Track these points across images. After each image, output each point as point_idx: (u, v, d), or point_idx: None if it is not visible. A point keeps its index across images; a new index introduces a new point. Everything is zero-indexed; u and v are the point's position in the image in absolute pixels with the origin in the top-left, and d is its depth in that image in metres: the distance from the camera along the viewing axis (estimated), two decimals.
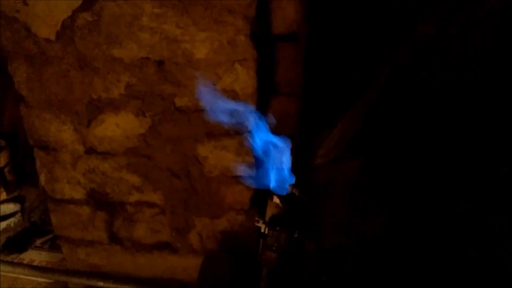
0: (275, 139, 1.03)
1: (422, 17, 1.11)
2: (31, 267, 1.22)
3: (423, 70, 1.12)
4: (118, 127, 1.27)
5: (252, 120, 1.16)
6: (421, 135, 1.15)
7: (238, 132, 1.20)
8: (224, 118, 1.18)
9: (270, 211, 0.96)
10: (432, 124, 1.13)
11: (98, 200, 1.41)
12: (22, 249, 1.81)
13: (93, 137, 1.29)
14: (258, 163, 1.25)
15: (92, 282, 1.11)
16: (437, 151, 1.13)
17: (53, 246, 1.82)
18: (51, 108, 1.26)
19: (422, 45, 1.12)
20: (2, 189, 2.16)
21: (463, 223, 1.09)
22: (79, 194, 1.40)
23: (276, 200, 0.94)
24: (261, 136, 1.08)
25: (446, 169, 1.11)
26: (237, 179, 1.29)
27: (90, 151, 1.32)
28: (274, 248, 0.94)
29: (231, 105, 1.16)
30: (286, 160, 0.99)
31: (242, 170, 1.26)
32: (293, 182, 0.95)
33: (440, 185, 1.14)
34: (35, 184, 1.43)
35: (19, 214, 2.01)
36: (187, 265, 1.48)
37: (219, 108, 1.17)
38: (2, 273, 1.26)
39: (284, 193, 0.94)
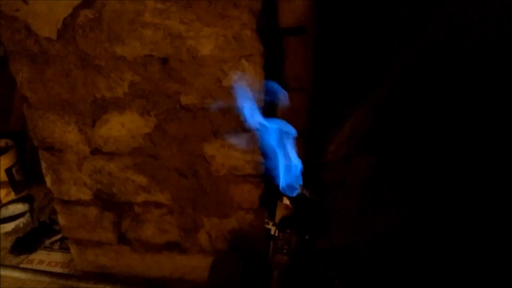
0: (284, 137, 1.00)
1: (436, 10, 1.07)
2: (39, 272, 1.21)
3: (435, 67, 1.08)
4: (123, 126, 1.24)
5: (259, 117, 1.12)
6: (436, 131, 1.11)
7: (245, 130, 1.17)
8: (231, 116, 1.15)
9: (280, 213, 0.93)
10: (446, 119, 1.09)
11: (105, 201, 1.39)
12: (31, 249, 1.80)
13: (98, 138, 1.27)
14: (267, 162, 1.22)
15: (99, 287, 1.09)
16: (453, 147, 1.09)
17: (63, 246, 1.81)
18: (54, 108, 1.23)
19: (433, 43, 1.08)
20: (11, 189, 2.16)
21: (478, 223, 1.06)
22: (86, 195, 1.38)
23: (286, 201, 0.91)
24: (270, 134, 1.05)
25: (461, 166, 1.08)
26: (245, 178, 1.26)
27: (96, 151, 1.29)
28: (284, 251, 0.91)
29: (238, 102, 1.13)
30: (295, 158, 0.96)
31: (250, 168, 1.23)
32: (304, 182, 0.92)
33: (454, 182, 1.11)
34: (43, 183, 1.42)
35: (28, 214, 2.00)
36: (196, 265, 1.46)
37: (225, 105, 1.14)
38: (10, 277, 1.25)
39: (294, 194, 0.91)
